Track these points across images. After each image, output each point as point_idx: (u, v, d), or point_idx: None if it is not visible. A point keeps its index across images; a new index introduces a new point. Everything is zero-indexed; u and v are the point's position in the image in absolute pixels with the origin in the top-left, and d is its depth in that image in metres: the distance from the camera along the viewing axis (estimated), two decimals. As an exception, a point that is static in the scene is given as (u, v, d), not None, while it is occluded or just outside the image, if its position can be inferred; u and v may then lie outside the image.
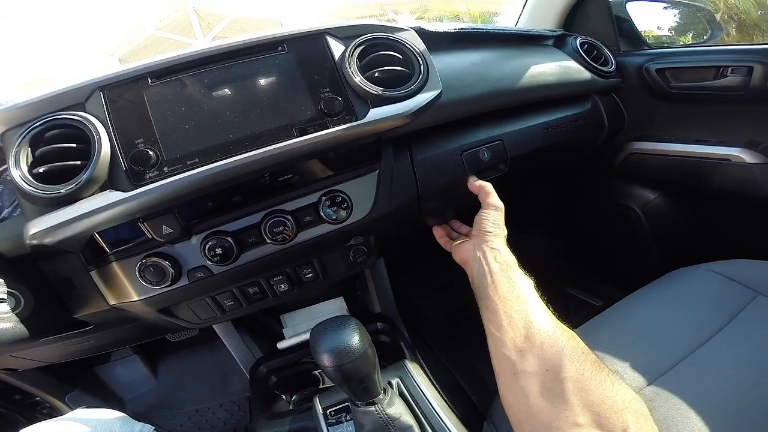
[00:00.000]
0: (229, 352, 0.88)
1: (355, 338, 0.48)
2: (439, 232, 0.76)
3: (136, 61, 0.53)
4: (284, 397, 0.83)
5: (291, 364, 0.83)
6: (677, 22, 1.29)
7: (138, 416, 0.73)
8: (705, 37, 1.22)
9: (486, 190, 0.68)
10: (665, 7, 1.28)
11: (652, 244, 1.16)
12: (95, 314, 0.61)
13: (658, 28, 1.26)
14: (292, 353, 0.84)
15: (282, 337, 0.87)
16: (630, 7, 1.09)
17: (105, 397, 1.14)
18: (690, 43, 1.29)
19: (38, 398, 1.06)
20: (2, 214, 0.63)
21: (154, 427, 0.73)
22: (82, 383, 1.12)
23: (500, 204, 0.67)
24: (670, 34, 1.28)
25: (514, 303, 0.52)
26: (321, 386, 0.83)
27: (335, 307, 0.94)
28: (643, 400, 0.43)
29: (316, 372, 0.84)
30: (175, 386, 1.20)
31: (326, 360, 0.47)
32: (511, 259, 0.59)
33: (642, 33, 1.11)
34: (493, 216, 0.64)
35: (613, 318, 0.74)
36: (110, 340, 0.82)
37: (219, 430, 1.13)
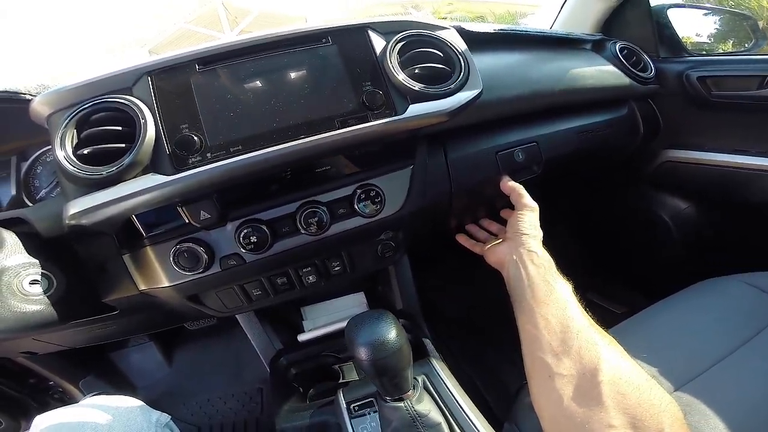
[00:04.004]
0: (244, 343, 0.88)
1: (392, 332, 0.47)
2: (464, 240, 0.75)
3: (167, 52, 0.53)
4: (301, 389, 0.82)
5: (311, 357, 0.83)
6: (717, 29, 1.25)
7: (149, 403, 0.73)
8: (748, 45, 1.19)
9: (518, 191, 0.68)
10: (706, 14, 1.25)
11: (679, 254, 1.14)
12: (124, 299, 0.61)
13: (697, 35, 1.22)
14: (312, 346, 0.84)
15: (301, 330, 0.87)
16: (671, 14, 1.07)
17: (118, 384, 1.14)
18: (730, 51, 1.26)
19: (51, 383, 1.05)
20: (40, 195, 0.64)
21: (170, 416, 0.73)
22: (97, 369, 1.11)
23: (535, 205, 0.66)
24: (710, 41, 1.25)
25: (552, 306, 0.51)
26: (341, 381, 0.83)
27: (356, 301, 0.93)
28: None
29: (336, 366, 0.84)
30: (189, 375, 1.19)
31: (363, 353, 0.46)
32: (548, 261, 0.58)
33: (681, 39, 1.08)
34: (529, 217, 0.64)
35: (643, 323, 0.73)
36: (133, 326, 0.82)
37: (229, 421, 1.13)
